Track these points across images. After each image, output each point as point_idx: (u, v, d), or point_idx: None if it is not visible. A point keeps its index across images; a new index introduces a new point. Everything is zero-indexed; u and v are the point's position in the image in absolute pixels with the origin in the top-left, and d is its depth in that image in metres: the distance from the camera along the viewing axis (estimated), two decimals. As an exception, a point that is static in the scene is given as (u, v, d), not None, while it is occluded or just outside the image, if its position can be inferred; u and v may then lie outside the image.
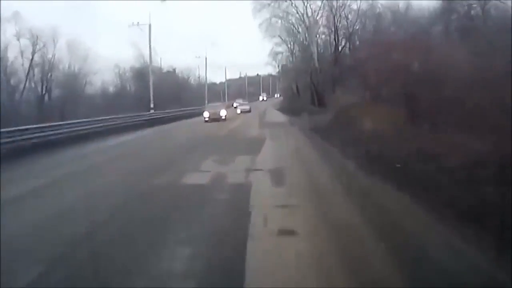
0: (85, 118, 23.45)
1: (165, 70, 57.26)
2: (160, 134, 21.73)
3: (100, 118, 24.08)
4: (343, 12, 34.70)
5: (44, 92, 34.12)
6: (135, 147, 15.62)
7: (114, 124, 23.92)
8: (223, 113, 28.31)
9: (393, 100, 11.81)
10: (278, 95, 79.03)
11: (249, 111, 40.86)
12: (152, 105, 37.32)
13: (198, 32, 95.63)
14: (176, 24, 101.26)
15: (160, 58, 59.66)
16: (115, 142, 17.22)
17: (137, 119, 28.39)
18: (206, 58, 56.50)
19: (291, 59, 41.17)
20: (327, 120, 20.12)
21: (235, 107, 44.10)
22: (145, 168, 10.09)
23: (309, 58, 34.75)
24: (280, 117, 30.65)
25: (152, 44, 37.17)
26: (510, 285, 3.41)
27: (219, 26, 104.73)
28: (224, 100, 61.15)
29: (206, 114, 28.28)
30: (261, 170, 9.32)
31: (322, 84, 33.76)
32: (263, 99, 80.00)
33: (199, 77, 62.18)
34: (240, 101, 49.88)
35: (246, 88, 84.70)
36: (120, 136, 19.22)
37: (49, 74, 34.33)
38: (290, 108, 39.02)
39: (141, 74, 45.00)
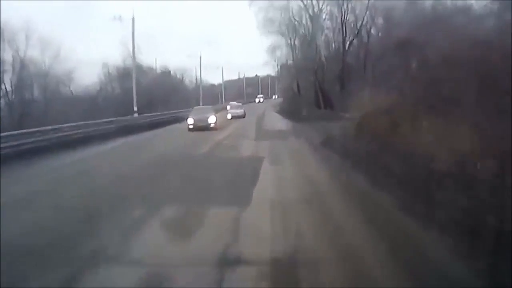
0: (42, 126, 18.12)
1: (159, 71, 52.48)
2: (118, 151, 15.64)
3: (59, 126, 18.75)
4: (349, 5, 29.43)
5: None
6: (57, 182, 9.05)
7: (74, 134, 18.56)
8: (211, 119, 21.77)
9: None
10: (276, 96, 73.29)
11: (243, 116, 32.04)
12: (135, 108, 32.11)
13: (197, 33, 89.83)
14: (176, 26, 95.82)
15: (156, 59, 54.21)
16: (42, 169, 11.16)
17: (111, 126, 23.03)
18: (200, 57, 51.20)
19: (291, 56, 35.74)
20: (344, 129, 14.83)
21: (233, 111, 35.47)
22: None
23: (313, 53, 29.44)
24: (281, 123, 25.20)
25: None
26: (510, 285, 3.18)
27: (219, 27, 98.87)
28: (221, 102, 55.63)
29: (190, 121, 21.62)
30: (249, 264, 4.12)
31: (329, 83, 28.51)
32: (259, 101, 72.17)
33: (196, 79, 56.71)
34: (234, 103, 40.57)
35: (245, 89, 79.40)
36: (66, 153, 13.79)
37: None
38: (291, 110, 33.80)
39: (128, 74, 39.82)
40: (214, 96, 64.87)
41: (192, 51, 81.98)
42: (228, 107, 36.14)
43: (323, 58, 27.59)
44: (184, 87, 56.96)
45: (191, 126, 21.44)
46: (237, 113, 32.70)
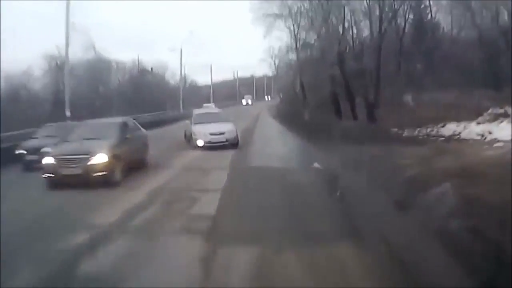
0: None
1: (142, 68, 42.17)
2: None
3: None
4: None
5: None
6: None
7: None
8: (98, 159, 7.84)
9: None
10: (269, 97, 61.42)
11: (234, 141, 13.20)
12: (68, 113, 20.88)
13: (195, 33, 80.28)
14: (174, 25, 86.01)
15: (138, 55, 43.72)
16: None
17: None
18: (181, 51, 39.55)
19: (293, 45, 24.39)
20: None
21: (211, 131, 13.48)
22: None
23: (332, 32, 18.29)
24: (290, 148, 13.16)
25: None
26: (510, 285, 3.03)
27: (216, 27, 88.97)
28: (211, 103, 42.94)
29: (47, 161, 7.97)
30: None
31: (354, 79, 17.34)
32: (247, 103, 55.58)
33: (184, 77, 45.86)
34: (207, 108, 23.77)
35: (238, 88, 68.19)
36: None
37: None
38: (293, 118, 22.70)
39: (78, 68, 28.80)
40: (205, 96, 54.09)
41: (188, 51, 72.31)
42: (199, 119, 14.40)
43: (355, 38, 16.23)
44: (164, 86, 45.81)
45: (47, 175, 8.01)
46: (217, 134, 13.22)
